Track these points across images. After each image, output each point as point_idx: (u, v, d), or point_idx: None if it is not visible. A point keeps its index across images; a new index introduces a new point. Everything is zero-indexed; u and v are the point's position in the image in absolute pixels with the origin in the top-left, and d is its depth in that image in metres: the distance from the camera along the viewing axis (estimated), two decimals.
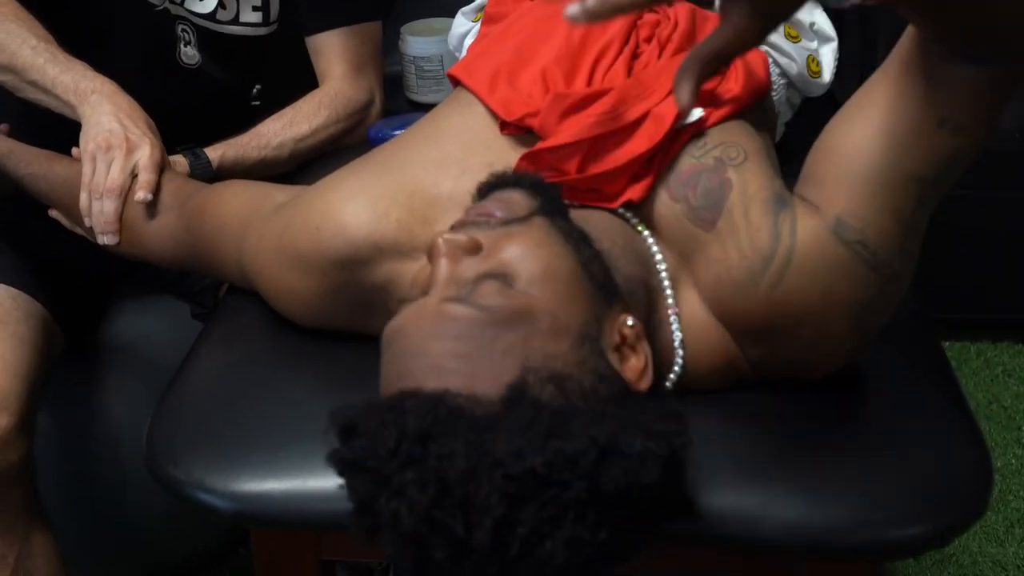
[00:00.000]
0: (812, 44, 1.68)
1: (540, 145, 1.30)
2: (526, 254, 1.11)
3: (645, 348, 1.13)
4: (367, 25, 1.98)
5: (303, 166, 1.89)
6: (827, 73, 1.69)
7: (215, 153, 1.81)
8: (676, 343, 1.23)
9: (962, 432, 1.27)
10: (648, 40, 1.44)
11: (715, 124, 1.33)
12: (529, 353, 1.04)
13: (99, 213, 1.62)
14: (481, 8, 1.75)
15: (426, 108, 1.62)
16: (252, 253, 1.42)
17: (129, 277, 1.99)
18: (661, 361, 1.22)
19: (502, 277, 1.09)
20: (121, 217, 1.62)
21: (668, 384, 1.23)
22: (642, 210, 1.29)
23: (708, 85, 1.34)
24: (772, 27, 1.00)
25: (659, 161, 1.29)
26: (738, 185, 1.27)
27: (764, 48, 1.59)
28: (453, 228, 1.16)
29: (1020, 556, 2.25)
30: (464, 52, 1.77)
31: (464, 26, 1.82)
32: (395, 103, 2.08)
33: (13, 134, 1.93)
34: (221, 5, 1.89)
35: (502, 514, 0.94)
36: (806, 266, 1.21)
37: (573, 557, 0.96)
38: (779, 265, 1.21)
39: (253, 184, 1.59)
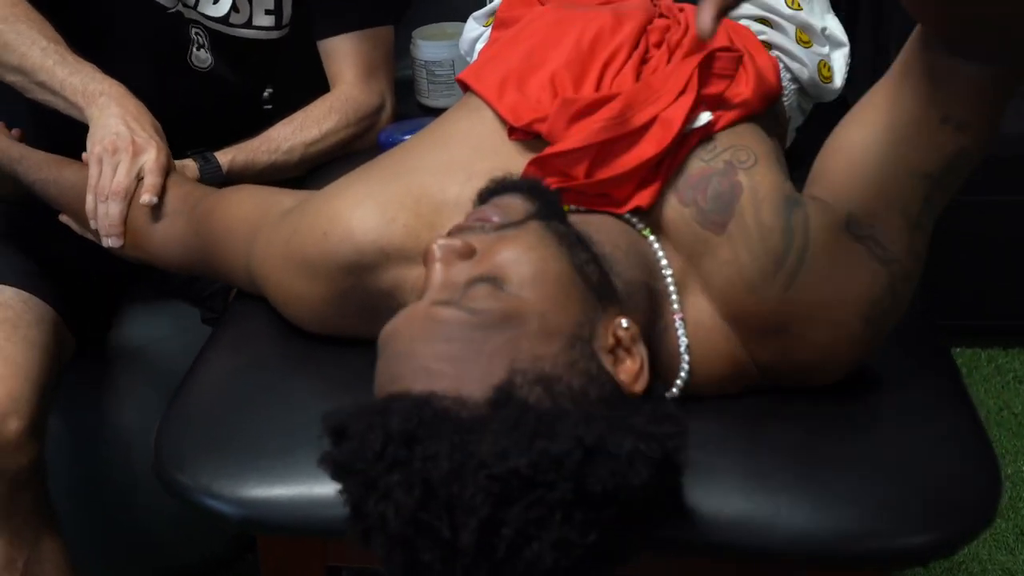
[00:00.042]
0: (824, 49, 1.67)
1: (548, 150, 1.30)
2: (518, 257, 1.11)
3: (641, 350, 1.13)
4: (379, 29, 1.98)
5: (313, 171, 1.89)
6: (839, 78, 1.69)
7: (225, 157, 1.81)
8: (682, 348, 1.23)
9: (970, 439, 1.27)
10: (658, 45, 1.45)
11: (724, 128, 1.34)
12: (517, 355, 1.04)
13: (104, 216, 1.62)
14: (493, 13, 1.75)
15: (437, 112, 1.62)
16: (260, 258, 1.42)
17: (139, 281, 1.99)
18: (667, 367, 1.22)
19: (493, 280, 1.09)
20: (126, 220, 1.62)
21: (674, 389, 1.23)
22: (650, 214, 1.29)
23: (717, 88, 1.35)
24: None
25: (667, 166, 1.29)
26: (748, 188, 1.27)
27: (775, 53, 1.59)
28: (450, 233, 1.17)
29: None
30: (475, 57, 1.78)
31: (475, 31, 1.82)
32: (406, 107, 2.08)
33: (25, 137, 1.94)
34: (234, 8, 1.89)
35: (487, 515, 0.94)
36: (820, 262, 1.22)
37: (561, 559, 0.96)
38: (793, 263, 1.22)
39: (262, 189, 1.59)
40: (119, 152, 1.62)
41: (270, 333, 1.44)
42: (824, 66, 1.66)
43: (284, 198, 1.49)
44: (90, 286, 1.90)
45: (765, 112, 1.43)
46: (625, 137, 1.29)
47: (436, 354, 1.05)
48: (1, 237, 1.88)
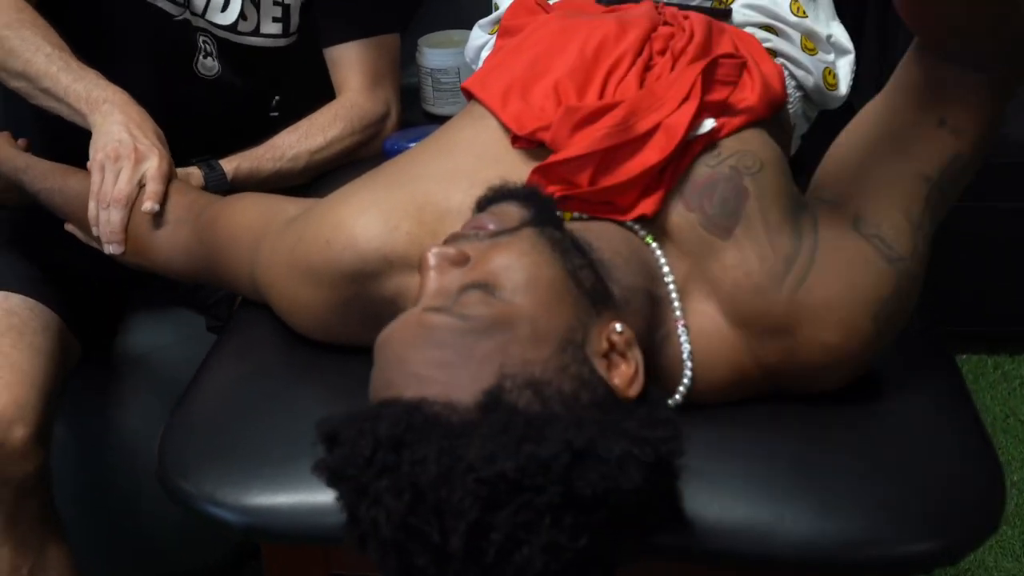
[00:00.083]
0: (829, 56, 1.68)
1: (551, 158, 1.30)
2: (510, 263, 1.12)
3: (636, 355, 1.13)
4: (385, 37, 1.99)
5: (318, 178, 1.89)
6: (844, 85, 1.69)
7: (230, 165, 1.81)
8: (685, 355, 1.23)
9: (974, 446, 1.27)
10: (662, 53, 1.45)
11: (729, 134, 1.34)
12: (507, 360, 1.05)
13: (105, 222, 1.62)
14: (498, 21, 1.75)
15: (442, 120, 1.62)
16: (264, 266, 1.42)
17: (145, 289, 1.99)
18: (669, 373, 1.22)
19: (485, 287, 1.10)
20: (129, 228, 1.62)
21: (677, 396, 1.23)
22: (654, 220, 1.29)
23: (721, 95, 1.35)
24: None
25: (671, 173, 1.29)
26: (755, 193, 1.28)
27: (780, 60, 1.59)
28: (446, 241, 1.18)
29: None
30: (481, 65, 1.78)
31: (481, 39, 1.82)
32: (412, 115, 2.09)
33: (31, 145, 1.95)
34: (242, 16, 1.90)
35: (475, 518, 0.95)
36: (829, 261, 1.23)
37: (552, 562, 0.96)
38: (803, 263, 1.23)
39: (266, 197, 1.59)
40: (121, 159, 1.62)
41: (274, 341, 1.44)
42: (829, 73, 1.66)
43: (288, 206, 1.49)
44: (95, 293, 1.90)
45: (770, 119, 1.43)
46: (628, 144, 1.29)
47: (427, 360, 1.05)
48: (7, 244, 1.89)
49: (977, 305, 2.73)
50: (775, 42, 1.61)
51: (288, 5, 1.93)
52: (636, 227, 1.28)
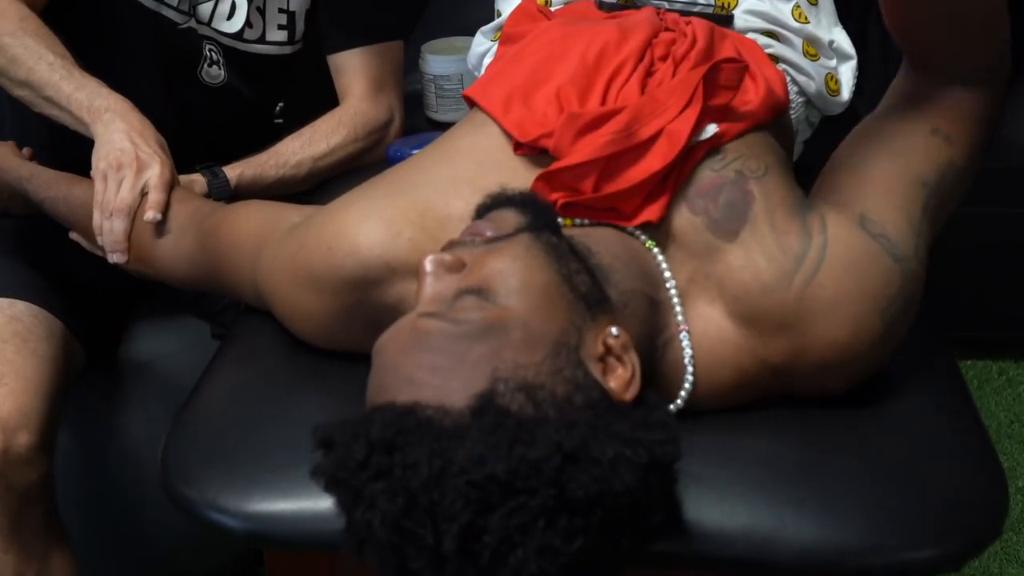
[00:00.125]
0: (831, 62, 1.68)
1: (555, 165, 1.30)
2: (504, 268, 1.12)
3: (632, 359, 1.13)
4: (388, 44, 1.99)
5: (321, 185, 1.90)
6: (846, 91, 1.69)
7: (233, 172, 1.82)
8: (686, 359, 1.23)
9: (976, 452, 1.27)
10: (663, 59, 1.45)
11: (733, 139, 1.35)
12: (499, 364, 1.05)
13: (109, 232, 1.62)
14: (500, 28, 1.75)
15: (445, 127, 1.62)
16: (266, 273, 1.43)
17: (150, 296, 2.00)
18: (671, 378, 1.23)
19: (479, 292, 1.10)
20: (132, 236, 1.62)
21: (679, 400, 1.23)
22: (658, 224, 1.29)
23: (723, 100, 1.35)
24: None
25: (674, 178, 1.30)
26: (760, 196, 1.29)
27: (782, 66, 1.59)
28: (443, 248, 1.18)
29: None
30: (483, 72, 1.78)
31: (483, 45, 1.82)
32: (415, 121, 2.09)
33: (35, 154, 1.95)
34: (248, 24, 1.90)
35: (468, 521, 0.95)
36: (839, 258, 1.24)
37: (547, 565, 0.96)
38: (813, 260, 1.24)
39: (268, 204, 1.59)
40: (123, 168, 1.62)
41: (277, 347, 1.45)
42: (831, 79, 1.67)
43: (291, 213, 1.49)
44: (100, 301, 1.91)
45: (772, 125, 1.43)
46: (632, 150, 1.29)
47: (420, 364, 1.06)
48: (12, 252, 1.89)
49: (982, 311, 2.73)
50: (777, 48, 1.61)
51: (293, 13, 1.94)
52: (637, 232, 1.28)
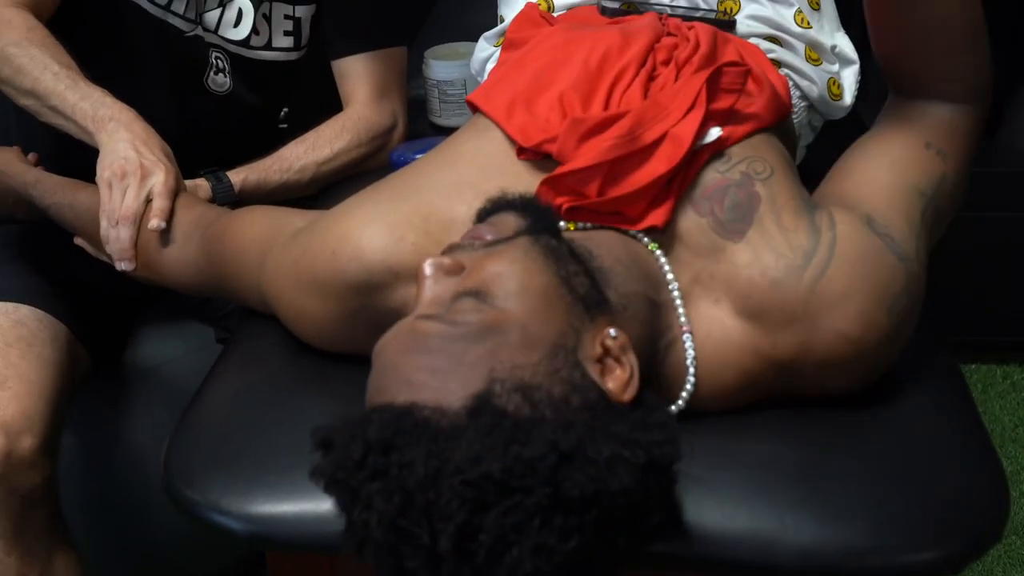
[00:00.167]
0: (833, 67, 1.68)
1: (560, 170, 1.30)
2: (502, 271, 1.13)
3: (631, 360, 1.13)
4: (392, 50, 2.00)
5: (325, 190, 1.90)
6: (848, 96, 1.69)
7: (237, 177, 1.82)
8: (688, 361, 1.24)
9: (978, 455, 1.27)
10: (666, 63, 1.45)
11: (737, 141, 1.35)
12: (496, 365, 1.05)
13: (115, 240, 1.63)
14: (503, 34, 1.75)
15: (449, 132, 1.62)
16: (271, 278, 1.43)
17: (155, 301, 2.00)
18: (674, 379, 1.23)
19: (478, 294, 1.11)
20: (138, 244, 1.63)
21: (680, 402, 1.23)
22: (665, 226, 1.29)
23: (726, 103, 1.35)
24: None
25: (679, 182, 1.30)
26: (767, 197, 1.29)
27: (785, 71, 1.59)
28: (443, 252, 1.19)
29: None
30: (486, 77, 1.78)
31: (486, 51, 1.83)
32: (418, 127, 2.09)
33: (40, 160, 1.96)
34: (254, 31, 1.91)
35: (464, 520, 0.95)
36: (848, 254, 1.25)
37: (542, 565, 0.96)
38: (823, 256, 1.25)
39: (273, 209, 1.60)
40: (128, 176, 1.62)
41: (280, 351, 1.45)
42: (834, 84, 1.67)
43: (295, 218, 1.49)
44: (105, 306, 1.91)
45: (775, 129, 1.43)
46: (636, 155, 1.30)
47: (418, 366, 1.06)
48: (17, 257, 1.89)
49: (987, 315, 2.73)
50: (779, 53, 1.62)
51: (299, 19, 1.94)
52: (639, 234, 1.29)
